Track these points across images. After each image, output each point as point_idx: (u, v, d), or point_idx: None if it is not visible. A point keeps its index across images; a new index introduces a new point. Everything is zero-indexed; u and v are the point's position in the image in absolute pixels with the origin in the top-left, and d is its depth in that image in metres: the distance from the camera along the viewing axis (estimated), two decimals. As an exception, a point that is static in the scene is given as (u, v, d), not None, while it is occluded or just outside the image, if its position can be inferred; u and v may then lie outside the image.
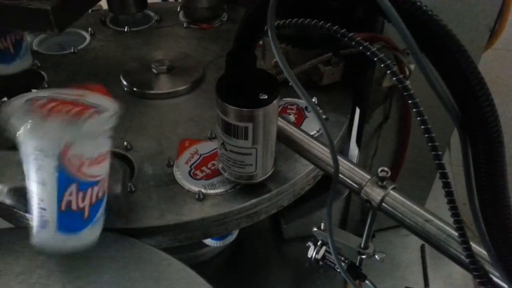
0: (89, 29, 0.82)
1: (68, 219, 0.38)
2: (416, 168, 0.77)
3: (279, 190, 0.52)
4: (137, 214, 0.49)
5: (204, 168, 0.54)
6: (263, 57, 0.70)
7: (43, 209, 0.37)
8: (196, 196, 0.51)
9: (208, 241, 0.77)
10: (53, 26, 0.48)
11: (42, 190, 0.36)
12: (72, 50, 0.77)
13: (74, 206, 0.37)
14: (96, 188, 0.38)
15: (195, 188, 0.52)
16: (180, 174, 0.53)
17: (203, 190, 0.51)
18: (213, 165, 0.54)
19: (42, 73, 0.71)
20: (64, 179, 0.36)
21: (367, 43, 0.34)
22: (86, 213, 0.38)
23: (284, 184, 0.53)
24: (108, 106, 0.37)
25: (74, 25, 0.56)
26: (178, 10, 0.88)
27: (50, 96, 0.36)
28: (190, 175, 0.53)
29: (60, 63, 0.74)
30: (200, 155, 0.56)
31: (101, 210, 0.40)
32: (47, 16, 0.47)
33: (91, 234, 0.40)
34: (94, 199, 0.38)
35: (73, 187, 0.36)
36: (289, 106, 0.63)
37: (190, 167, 0.55)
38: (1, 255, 0.43)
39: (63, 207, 0.37)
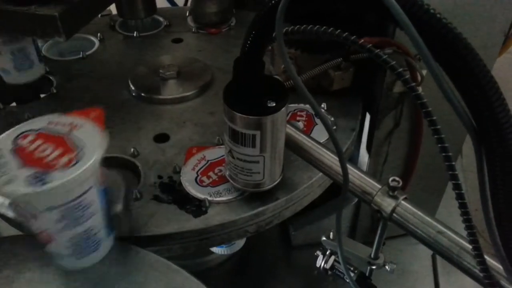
0: (98, 34, 0.82)
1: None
2: (427, 175, 0.75)
3: (287, 198, 0.52)
4: (142, 222, 0.48)
5: (210, 173, 0.54)
6: (272, 62, 0.69)
7: None
8: (202, 204, 0.50)
9: (215, 249, 0.77)
10: (61, 32, 0.48)
11: None
12: (81, 55, 0.77)
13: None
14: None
15: (201, 196, 0.51)
16: (187, 181, 0.53)
17: (209, 198, 0.50)
18: (220, 171, 0.54)
19: (51, 78, 0.71)
20: None
21: (378, 50, 0.34)
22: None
23: (292, 192, 0.52)
24: (92, 147, 0.35)
25: (83, 30, 0.56)
26: (187, 15, 0.88)
27: (42, 128, 0.37)
28: (196, 182, 0.53)
29: (69, 69, 0.74)
30: (208, 160, 0.56)
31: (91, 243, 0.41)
32: (55, 22, 0.47)
33: (87, 261, 0.42)
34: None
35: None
36: (298, 113, 0.62)
37: (197, 173, 0.54)
38: (11, 262, 0.44)
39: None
